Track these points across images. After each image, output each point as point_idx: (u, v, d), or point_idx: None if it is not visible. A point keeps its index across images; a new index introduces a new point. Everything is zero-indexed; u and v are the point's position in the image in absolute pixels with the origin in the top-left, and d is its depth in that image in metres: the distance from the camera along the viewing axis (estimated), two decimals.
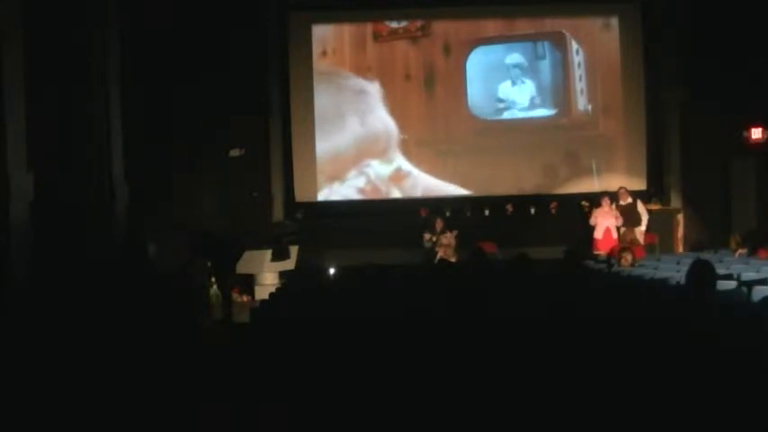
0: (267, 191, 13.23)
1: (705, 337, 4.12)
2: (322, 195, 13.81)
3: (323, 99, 13.81)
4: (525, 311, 5.01)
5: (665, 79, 13.46)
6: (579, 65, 13.82)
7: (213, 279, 9.51)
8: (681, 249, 12.72)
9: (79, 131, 9.20)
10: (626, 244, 10.31)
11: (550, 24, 13.92)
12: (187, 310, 6.75)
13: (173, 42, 11.75)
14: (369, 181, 13.92)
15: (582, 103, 13.86)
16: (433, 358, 4.00)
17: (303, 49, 13.74)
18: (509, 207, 13.46)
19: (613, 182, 13.34)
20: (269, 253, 11.08)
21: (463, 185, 13.79)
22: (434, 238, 12.00)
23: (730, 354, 3.80)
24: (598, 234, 11.65)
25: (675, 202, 13.38)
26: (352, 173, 13.88)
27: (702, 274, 4.82)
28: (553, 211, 13.36)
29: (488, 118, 13.92)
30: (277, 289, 9.18)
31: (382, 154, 13.91)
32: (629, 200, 12.02)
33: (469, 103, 13.88)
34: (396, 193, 13.86)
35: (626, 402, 3.40)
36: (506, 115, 13.94)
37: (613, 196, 12.00)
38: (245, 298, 10.90)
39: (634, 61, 13.76)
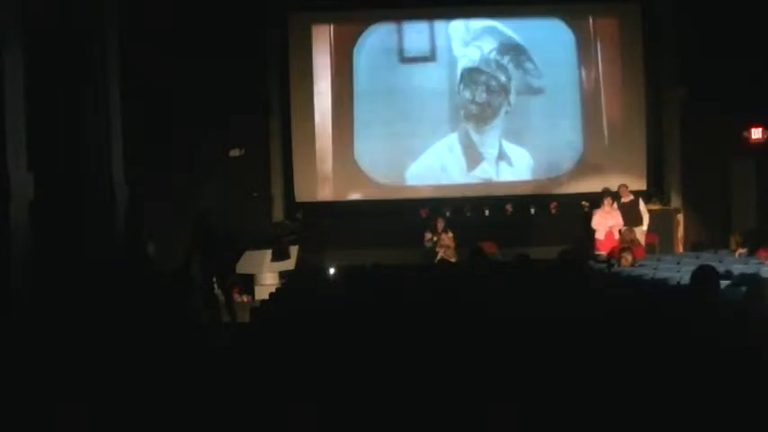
0: (267, 191, 13.23)
1: (705, 337, 4.12)
2: (322, 195, 13.80)
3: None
4: (525, 311, 5.01)
5: (665, 79, 13.45)
6: (579, 64, 13.83)
7: (213, 279, 9.53)
8: (681, 249, 12.71)
9: (79, 131, 9.18)
10: (626, 244, 10.31)
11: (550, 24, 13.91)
12: (187, 310, 6.75)
13: (173, 42, 11.75)
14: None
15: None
16: (433, 358, 4.00)
17: (303, 49, 13.73)
18: (509, 207, 13.44)
19: (614, 181, 13.32)
20: (269, 253, 11.09)
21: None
22: (435, 238, 12.00)
23: (730, 354, 3.80)
24: (600, 235, 11.63)
25: (675, 202, 13.37)
26: None
27: (705, 278, 4.84)
28: (553, 211, 13.34)
29: None
30: (277, 289, 9.19)
31: None
32: (631, 197, 11.99)
33: None
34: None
35: (625, 402, 3.40)
36: None
37: (615, 195, 11.99)
38: (245, 298, 10.91)
39: (634, 61, 13.75)
